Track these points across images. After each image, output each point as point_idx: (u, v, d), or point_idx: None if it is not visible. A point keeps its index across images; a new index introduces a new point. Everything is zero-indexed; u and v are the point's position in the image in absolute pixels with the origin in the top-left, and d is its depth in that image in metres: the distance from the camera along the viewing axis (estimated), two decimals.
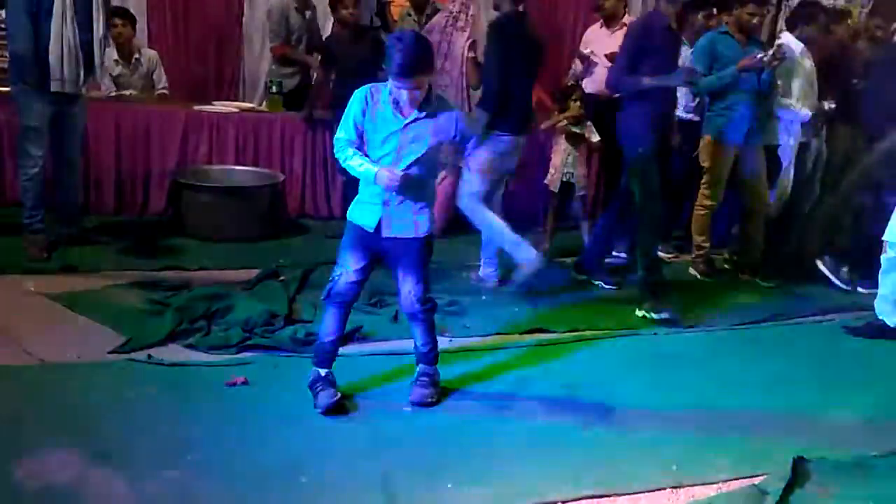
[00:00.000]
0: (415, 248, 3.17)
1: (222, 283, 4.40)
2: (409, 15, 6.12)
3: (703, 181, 5.32)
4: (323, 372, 3.25)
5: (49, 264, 4.54)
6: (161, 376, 3.36)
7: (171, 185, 5.57)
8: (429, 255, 3.24)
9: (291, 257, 4.91)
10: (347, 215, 3.22)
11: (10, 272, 4.36)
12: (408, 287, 3.21)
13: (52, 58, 4.40)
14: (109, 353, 3.53)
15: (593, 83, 5.94)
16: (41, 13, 4.36)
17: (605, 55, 5.86)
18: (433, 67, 3.04)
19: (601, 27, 6.03)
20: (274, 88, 6.06)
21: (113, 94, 5.90)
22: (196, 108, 5.93)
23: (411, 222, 3.14)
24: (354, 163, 3.06)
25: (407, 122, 3.04)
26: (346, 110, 3.10)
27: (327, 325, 3.24)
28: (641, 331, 4.33)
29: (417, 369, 3.39)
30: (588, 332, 4.23)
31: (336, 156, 3.16)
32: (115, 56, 5.88)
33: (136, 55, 6.03)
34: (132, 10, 6.23)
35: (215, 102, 6.26)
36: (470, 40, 5.50)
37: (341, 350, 3.40)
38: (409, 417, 3.20)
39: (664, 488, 2.85)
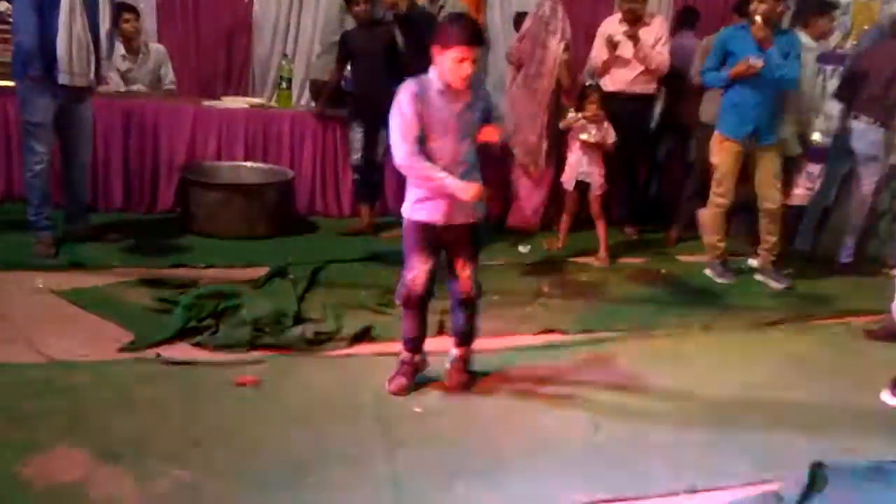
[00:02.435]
0: (469, 232, 3.28)
1: (231, 282, 4.38)
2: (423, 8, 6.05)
3: (713, 179, 5.26)
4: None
5: (57, 261, 4.52)
6: (169, 375, 3.34)
7: (180, 182, 5.55)
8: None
9: (300, 255, 4.88)
10: (408, 216, 3.21)
11: (18, 268, 4.34)
12: (468, 271, 3.33)
13: (61, 51, 4.34)
14: (118, 351, 3.51)
15: (614, 83, 5.89)
16: (47, 6, 4.31)
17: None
18: None
19: (619, 22, 5.90)
20: (283, 84, 6.03)
21: (122, 90, 5.89)
22: (205, 103, 5.92)
23: (470, 208, 3.20)
24: (435, 176, 3.05)
25: (462, 105, 3.07)
26: (397, 117, 3.02)
27: (414, 327, 3.39)
28: (655, 332, 4.29)
29: (457, 352, 3.50)
30: (601, 334, 4.20)
31: (406, 166, 3.06)
32: (122, 51, 5.87)
33: (143, 49, 6.02)
34: (141, 5, 6.22)
35: (224, 98, 6.24)
36: (563, 43, 5.63)
37: (351, 351, 3.51)
38: (420, 419, 3.16)
39: (679, 493, 2.81)
